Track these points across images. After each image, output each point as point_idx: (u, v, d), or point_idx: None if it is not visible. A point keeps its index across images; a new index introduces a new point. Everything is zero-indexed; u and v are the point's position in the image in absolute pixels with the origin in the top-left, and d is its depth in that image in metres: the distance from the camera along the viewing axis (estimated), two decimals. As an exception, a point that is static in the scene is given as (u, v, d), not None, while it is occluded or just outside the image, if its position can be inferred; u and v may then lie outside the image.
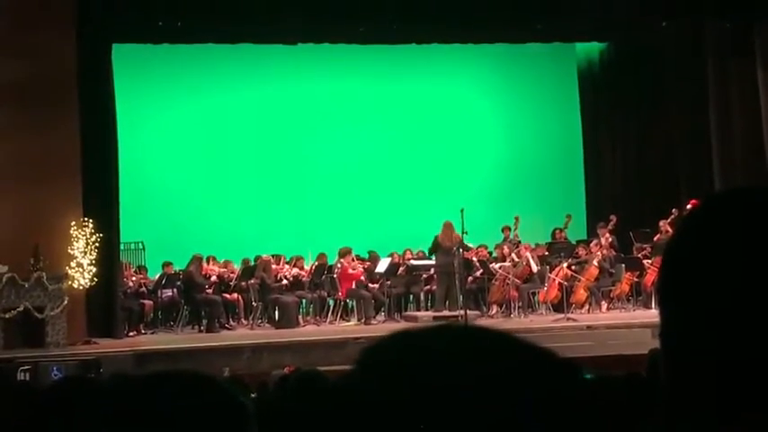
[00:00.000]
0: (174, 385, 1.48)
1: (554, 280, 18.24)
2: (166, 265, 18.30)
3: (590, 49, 22.96)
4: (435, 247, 18.30)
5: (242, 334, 17.27)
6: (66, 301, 15.86)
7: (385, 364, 0.94)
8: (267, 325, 18.03)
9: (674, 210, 18.95)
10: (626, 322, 16.84)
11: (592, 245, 19.16)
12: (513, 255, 18.60)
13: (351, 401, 0.93)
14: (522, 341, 0.96)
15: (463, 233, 17.28)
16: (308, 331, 17.24)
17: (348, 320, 18.31)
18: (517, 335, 0.97)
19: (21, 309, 15.58)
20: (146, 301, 17.97)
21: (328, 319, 18.36)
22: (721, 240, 1.11)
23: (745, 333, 1.06)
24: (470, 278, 18.67)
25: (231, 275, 18.65)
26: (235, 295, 18.39)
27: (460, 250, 18.07)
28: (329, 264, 18.84)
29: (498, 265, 18.60)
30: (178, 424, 1.41)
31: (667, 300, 1.16)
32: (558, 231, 20.23)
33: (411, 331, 0.97)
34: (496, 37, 20.17)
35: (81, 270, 16.11)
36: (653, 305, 17.88)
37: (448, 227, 18.10)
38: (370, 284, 18.62)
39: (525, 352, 0.96)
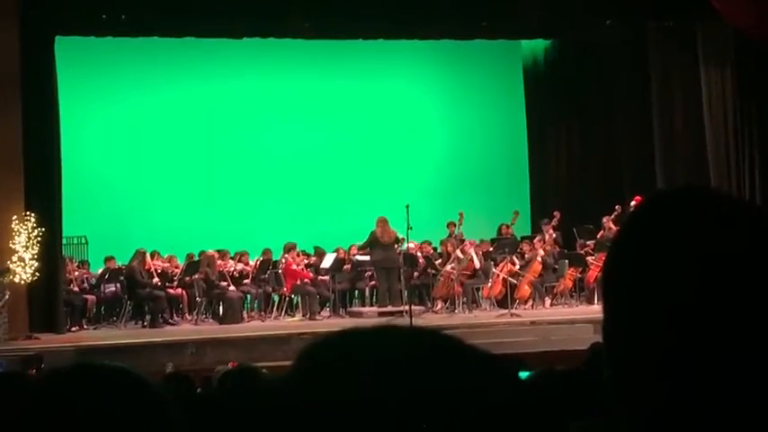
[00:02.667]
0: (90, 379, 1.48)
1: (498, 276, 18.33)
2: (109, 259, 18.16)
3: (535, 46, 23.07)
4: (372, 243, 18.24)
5: (186, 329, 17.17)
6: (7, 296, 15.68)
7: (323, 363, 0.94)
8: (211, 320, 17.94)
9: (617, 206, 19.12)
10: (569, 318, 16.96)
11: (535, 241, 19.28)
12: (458, 251, 18.65)
13: (288, 400, 0.93)
14: (461, 342, 0.96)
15: (408, 228, 17.27)
16: (253, 326, 17.18)
17: (293, 316, 18.27)
18: (457, 335, 0.97)
19: (-39, 304, 15.42)
20: (88, 296, 17.82)
21: (273, 315, 18.31)
22: (664, 238, 1.12)
23: (685, 328, 1.07)
24: (415, 273, 18.72)
25: (175, 270, 18.55)
26: (179, 290, 18.27)
27: (404, 245, 18.08)
28: (274, 259, 18.78)
29: (449, 265, 18.56)
30: (95, 419, 1.41)
31: (611, 295, 1.17)
32: (504, 227, 20.33)
33: (352, 331, 0.97)
34: (442, 33, 20.18)
35: (23, 264, 15.93)
36: (595, 301, 18.04)
37: (384, 222, 18.12)
38: (319, 278, 18.60)
39: (464, 353, 0.96)
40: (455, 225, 19.34)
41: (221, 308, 17.92)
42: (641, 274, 1.12)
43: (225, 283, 18.06)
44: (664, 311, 1.09)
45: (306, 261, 18.94)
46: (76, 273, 18.21)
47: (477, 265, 18.48)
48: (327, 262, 18.76)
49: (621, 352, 1.13)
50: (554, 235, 19.47)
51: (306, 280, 18.26)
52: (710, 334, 1.07)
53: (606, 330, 1.17)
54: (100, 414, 1.41)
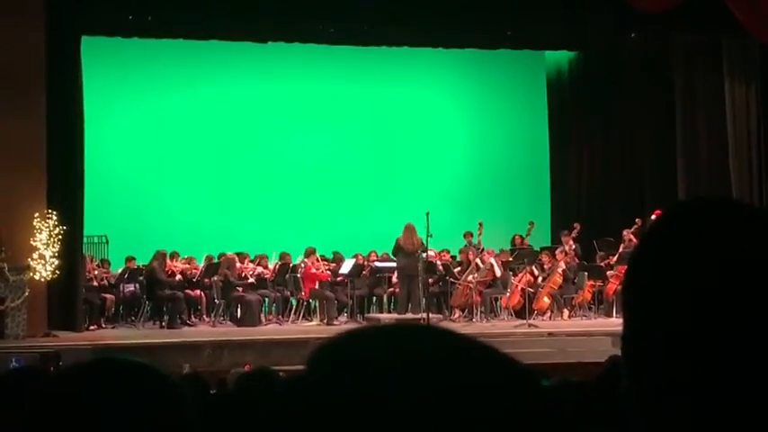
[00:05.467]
0: (106, 371, 1.48)
1: (517, 286, 18.29)
2: (129, 259, 18.22)
3: (559, 57, 23.05)
4: (397, 250, 18.29)
5: (203, 331, 17.20)
6: (27, 293, 15.74)
7: (337, 363, 0.94)
8: (229, 323, 17.96)
9: (638, 219, 19.05)
10: (587, 330, 16.88)
11: (557, 252, 19.20)
12: (478, 260, 18.61)
13: (300, 399, 0.93)
14: (482, 344, 0.96)
15: (428, 236, 17.26)
16: (270, 330, 17.20)
17: (310, 320, 18.28)
18: (478, 337, 0.97)
19: (-19, 300, 15.49)
20: (107, 296, 17.88)
21: (290, 319, 18.32)
22: (683, 249, 1.11)
23: (704, 340, 1.07)
24: (432, 281, 18.66)
25: (194, 272, 18.59)
26: (197, 292, 18.32)
27: (423, 253, 18.06)
28: (293, 263, 18.80)
29: (470, 276, 18.52)
30: (109, 411, 1.41)
31: (630, 307, 1.16)
32: (519, 238, 20.25)
33: (365, 329, 0.96)
34: (467, 42, 20.16)
35: (43, 262, 15.99)
36: (614, 313, 17.98)
37: (409, 229, 18.10)
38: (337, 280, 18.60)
39: (484, 356, 0.96)
40: (472, 235, 19.31)
41: (239, 310, 17.96)
42: (661, 287, 1.12)
43: (244, 286, 18.08)
44: (680, 322, 1.08)
45: (325, 266, 18.94)
46: (96, 271, 18.28)
47: (498, 273, 18.43)
48: (346, 267, 18.76)
49: (640, 363, 1.13)
50: (574, 246, 19.40)
51: (325, 280, 18.26)
52: (731, 347, 1.06)
53: (625, 341, 1.16)
54: (119, 408, 1.42)
